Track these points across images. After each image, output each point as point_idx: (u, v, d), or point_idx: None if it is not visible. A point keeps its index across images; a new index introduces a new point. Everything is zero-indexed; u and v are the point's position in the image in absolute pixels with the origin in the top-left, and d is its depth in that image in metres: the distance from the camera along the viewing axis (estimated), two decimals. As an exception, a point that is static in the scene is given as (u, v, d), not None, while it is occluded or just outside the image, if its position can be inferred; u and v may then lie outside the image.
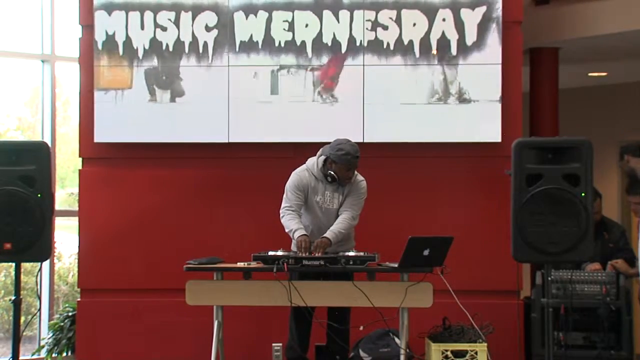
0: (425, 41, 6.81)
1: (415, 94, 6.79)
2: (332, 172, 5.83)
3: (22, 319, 5.60)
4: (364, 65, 6.82)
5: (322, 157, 5.89)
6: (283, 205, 5.88)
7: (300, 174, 5.92)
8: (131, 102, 6.87)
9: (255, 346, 6.82)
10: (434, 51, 6.80)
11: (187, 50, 6.87)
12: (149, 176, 6.99)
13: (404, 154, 6.91)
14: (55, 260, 8.56)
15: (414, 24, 6.83)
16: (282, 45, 6.86)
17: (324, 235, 5.76)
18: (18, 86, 8.48)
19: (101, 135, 6.92)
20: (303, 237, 5.66)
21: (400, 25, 6.83)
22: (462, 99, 6.76)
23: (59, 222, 8.57)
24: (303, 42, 6.86)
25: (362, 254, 5.63)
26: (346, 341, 5.96)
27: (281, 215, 5.86)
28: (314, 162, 5.93)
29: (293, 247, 5.81)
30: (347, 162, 5.78)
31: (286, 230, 5.80)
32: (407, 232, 5.58)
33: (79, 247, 7.07)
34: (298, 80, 6.83)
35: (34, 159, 5.39)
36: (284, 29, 6.87)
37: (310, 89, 6.84)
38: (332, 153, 5.81)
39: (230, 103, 6.85)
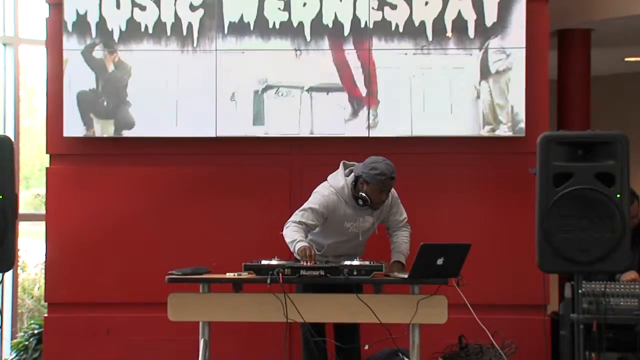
0: (438, 22, 6.83)
1: (427, 83, 6.81)
2: (363, 195, 5.80)
3: (-19, 337, 5.61)
4: (369, 49, 6.84)
5: (352, 177, 5.88)
6: (294, 219, 5.82)
7: (329, 199, 5.84)
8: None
9: (246, 368, 6.85)
10: (449, 33, 6.81)
11: (169, 32, 6.88)
12: (126, 175, 7.00)
13: (414, 150, 6.92)
14: (19, 271, 8.59)
15: (426, 3, 6.84)
16: (277, 27, 6.88)
17: (397, 260, 5.86)
18: (-24, 73, 8.49)
19: (71, 128, 6.93)
20: (307, 246, 5.63)
21: (410, 4, 6.84)
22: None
23: (24, 227, 8.59)
24: (300, 24, 6.87)
25: (367, 263, 5.63)
26: None
27: (286, 226, 5.80)
28: (343, 185, 5.87)
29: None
30: (380, 183, 5.76)
31: (287, 240, 5.75)
32: (419, 238, 5.60)
33: (46, 255, 7.08)
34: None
35: (-5, 155, 5.40)
36: (279, 9, 6.87)
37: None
38: (364, 172, 5.79)
39: (218, 92, 6.87)
